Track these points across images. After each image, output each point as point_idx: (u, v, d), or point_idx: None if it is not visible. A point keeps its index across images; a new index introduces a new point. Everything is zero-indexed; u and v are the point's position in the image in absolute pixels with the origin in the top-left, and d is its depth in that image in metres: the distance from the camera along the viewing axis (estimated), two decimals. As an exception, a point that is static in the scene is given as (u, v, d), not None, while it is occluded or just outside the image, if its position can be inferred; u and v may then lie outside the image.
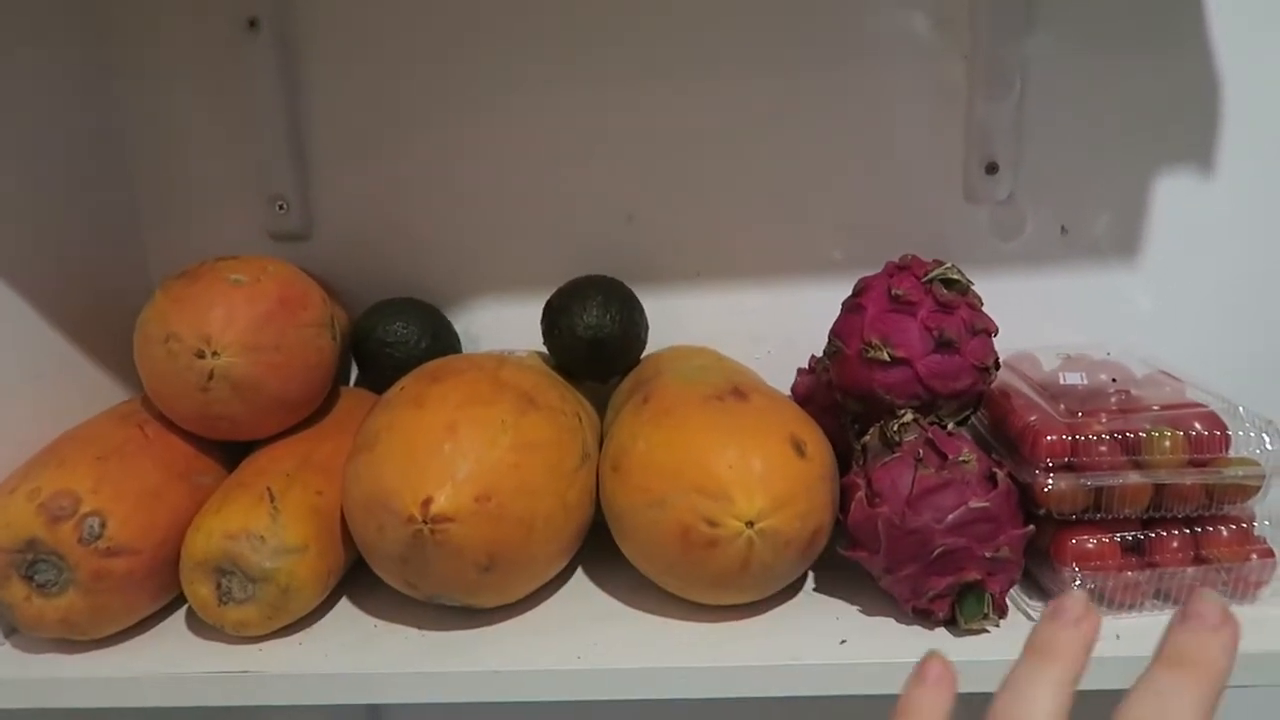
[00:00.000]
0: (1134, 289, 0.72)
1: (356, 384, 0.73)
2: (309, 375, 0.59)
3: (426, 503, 0.49)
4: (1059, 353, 0.64)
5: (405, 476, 0.50)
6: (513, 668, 0.51)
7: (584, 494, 0.55)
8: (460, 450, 0.50)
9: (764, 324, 0.73)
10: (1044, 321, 0.70)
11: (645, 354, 0.69)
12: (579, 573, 0.60)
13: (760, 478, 0.50)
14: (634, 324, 0.65)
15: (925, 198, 0.71)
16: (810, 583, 0.58)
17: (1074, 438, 0.52)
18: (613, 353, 0.64)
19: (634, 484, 0.52)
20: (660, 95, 0.70)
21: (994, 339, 0.56)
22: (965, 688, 0.50)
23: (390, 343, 0.66)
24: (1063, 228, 0.71)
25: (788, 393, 0.68)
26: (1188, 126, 0.70)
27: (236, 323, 0.55)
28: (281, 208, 0.72)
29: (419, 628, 0.55)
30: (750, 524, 0.49)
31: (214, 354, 0.54)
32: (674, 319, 0.72)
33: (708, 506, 0.50)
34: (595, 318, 0.63)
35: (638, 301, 0.66)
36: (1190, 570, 0.52)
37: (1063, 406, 0.55)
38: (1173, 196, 0.70)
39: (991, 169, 0.69)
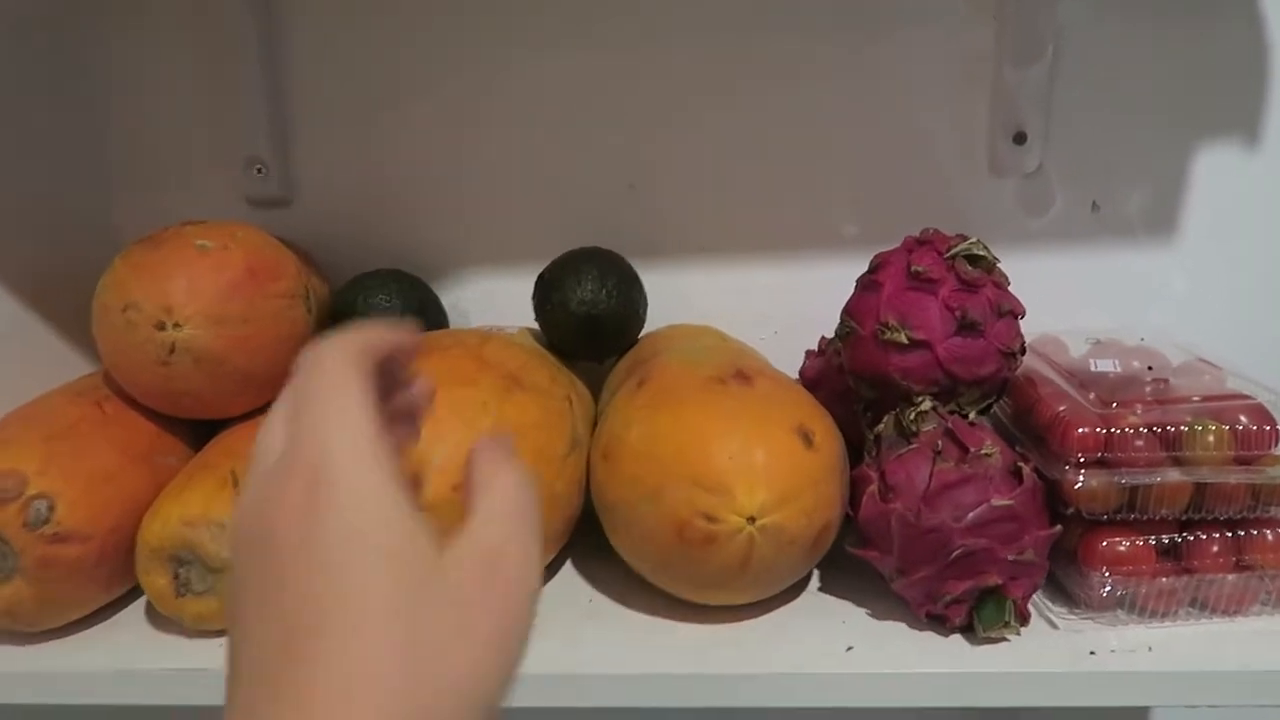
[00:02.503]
0: (1169, 270, 0.67)
1: (339, 360, 0.69)
2: (279, 350, 0.55)
3: (399, 491, 0.45)
4: (1088, 337, 0.59)
5: (377, 462, 0.46)
6: (491, 670, 0.47)
7: (572, 484, 0.51)
8: (437, 434, 0.46)
9: (772, 303, 0.69)
10: (1072, 303, 0.66)
11: (644, 333, 0.65)
12: (567, 566, 0.56)
13: (763, 470, 0.46)
14: (632, 300, 0.61)
15: (947, 169, 0.67)
16: (815, 582, 0.54)
17: (1108, 431, 0.47)
18: (609, 331, 0.60)
19: (627, 474, 0.48)
20: (667, 58, 0.66)
21: (1020, 321, 0.52)
22: (984, 701, 0.46)
23: (372, 317, 0.62)
24: (1094, 204, 0.67)
25: (795, 376, 0.64)
26: (1230, 97, 0.65)
27: (200, 293, 0.51)
28: (260, 171, 0.68)
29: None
30: (751, 520, 0.45)
31: (175, 325, 0.50)
32: (676, 296, 0.67)
33: (706, 500, 0.45)
34: (590, 293, 0.58)
35: (637, 276, 0.62)
36: (1231, 577, 0.47)
37: (1094, 396, 0.51)
38: (1212, 172, 0.66)
39: (1019, 139, 0.65)
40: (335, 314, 0.63)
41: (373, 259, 0.68)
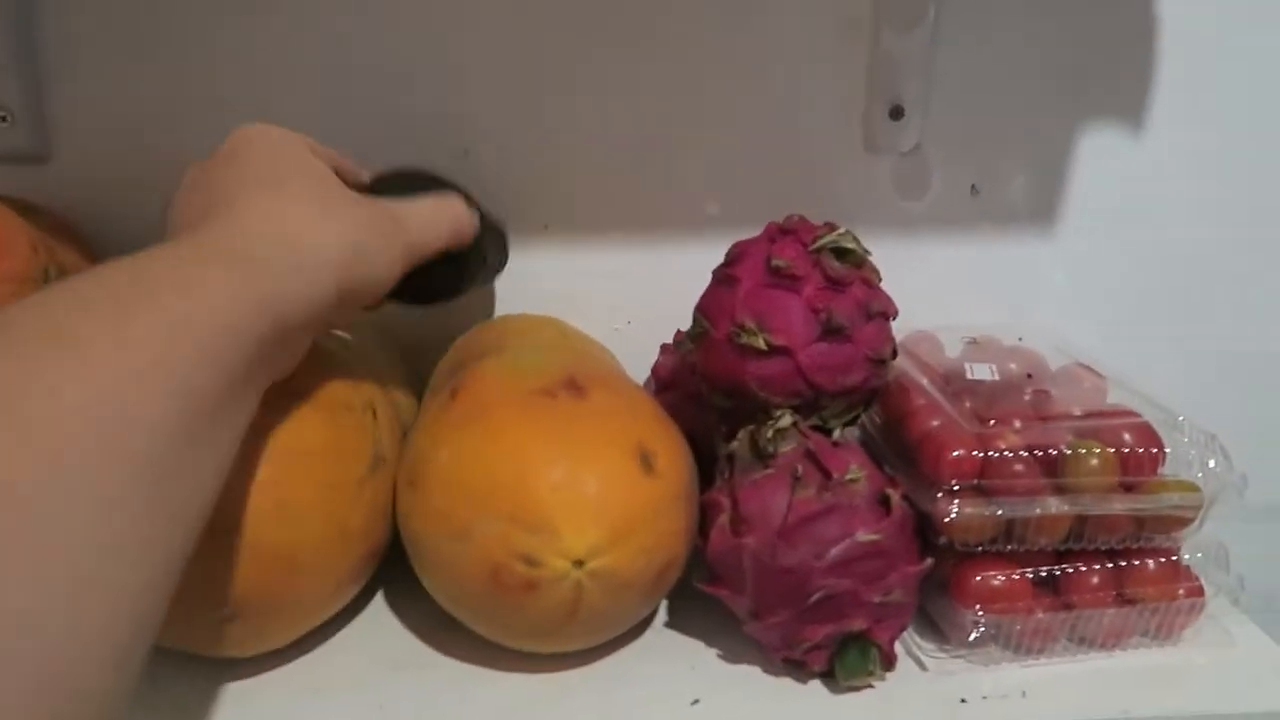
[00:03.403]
0: (1049, 261, 0.63)
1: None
2: (6, 347, 0.44)
3: (135, 537, 0.35)
4: (964, 336, 0.54)
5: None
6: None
7: (373, 512, 0.43)
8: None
9: (624, 290, 0.61)
10: (949, 295, 0.61)
11: (474, 326, 0.56)
12: (375, 601, 0.48)
13: (594, 503, 0.39)
14: (490, 213, 0.50)
15: (818, 144, 0.60)
16: (663, 615, 0.47)
17: (985, 454, 0.42)
18: (466, 251, 0.47)
19: (433, 507, 0.40)
20: (510, 7, 0.57)
21: (892, 323, 0.46)
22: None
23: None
24: (973, 187, 0.62)
25: (649, 374, 0.57)
26: (1121, 78, 0.61)
27: (-112, 277, 0.40)
28: (5, 120, 0.56)
29: (151, 681, 0.42)
30: (579, 563, 0.38)
31: None
32: (515, 281, 0.59)
33: (525, 541, 0.38)
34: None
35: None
36: (1111, 611, 0.43)
37: (969, 406, 0.45)
38: (1098, 157, 0.62)
39: (896, 114, 0.59)
40: (96, 298, 0.52)
41: (148, 229, 0.56)
